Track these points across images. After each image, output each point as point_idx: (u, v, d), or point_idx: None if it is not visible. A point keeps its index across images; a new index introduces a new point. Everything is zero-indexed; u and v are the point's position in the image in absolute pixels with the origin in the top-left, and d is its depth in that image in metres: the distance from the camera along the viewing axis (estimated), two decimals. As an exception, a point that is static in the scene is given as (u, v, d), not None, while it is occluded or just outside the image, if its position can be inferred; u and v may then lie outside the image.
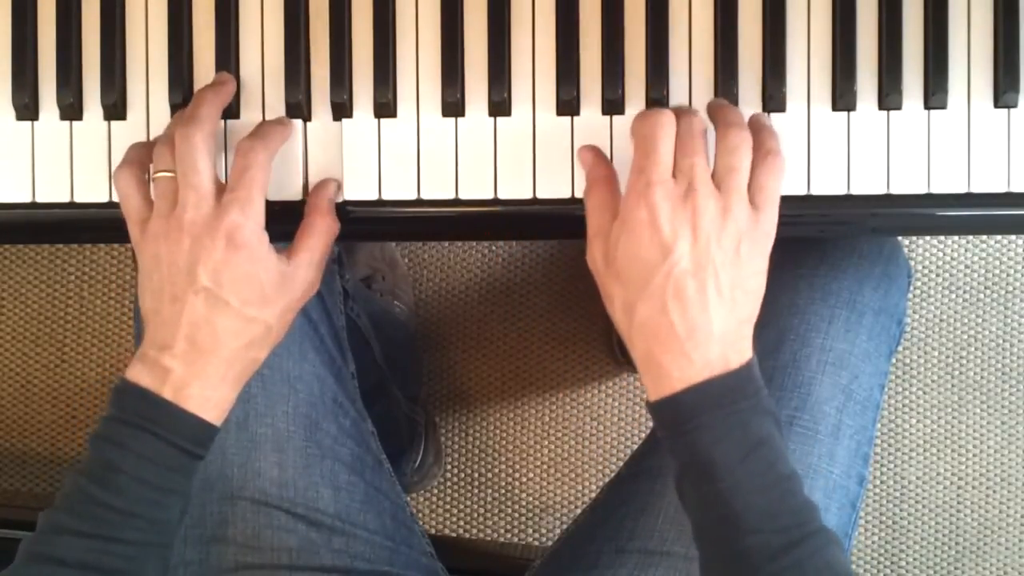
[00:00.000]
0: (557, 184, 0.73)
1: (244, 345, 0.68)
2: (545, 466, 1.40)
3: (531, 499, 1.40)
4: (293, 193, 0.74)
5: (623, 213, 0.65)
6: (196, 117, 0.69)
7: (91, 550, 0.65)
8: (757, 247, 0.65)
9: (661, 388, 0.64)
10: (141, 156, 0.71)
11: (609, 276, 0.66)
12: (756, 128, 0.68)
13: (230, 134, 0.74)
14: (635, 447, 0.89)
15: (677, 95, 0.72)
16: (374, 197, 0.73)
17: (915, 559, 1.39)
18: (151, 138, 0.74)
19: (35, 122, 0.75)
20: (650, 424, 0.77)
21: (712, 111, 0.70)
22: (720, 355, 0.64)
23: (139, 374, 0.67)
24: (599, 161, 0.70)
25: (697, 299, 0.63)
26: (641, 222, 0.64)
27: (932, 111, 0.72)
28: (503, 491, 1.40)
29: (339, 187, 0.73)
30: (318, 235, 0.71)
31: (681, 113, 0.67)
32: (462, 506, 1.40)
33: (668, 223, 0.63)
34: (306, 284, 0.70)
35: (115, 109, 0.74)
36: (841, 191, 0.72)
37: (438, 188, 0.73)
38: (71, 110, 0.74)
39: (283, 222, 0.72)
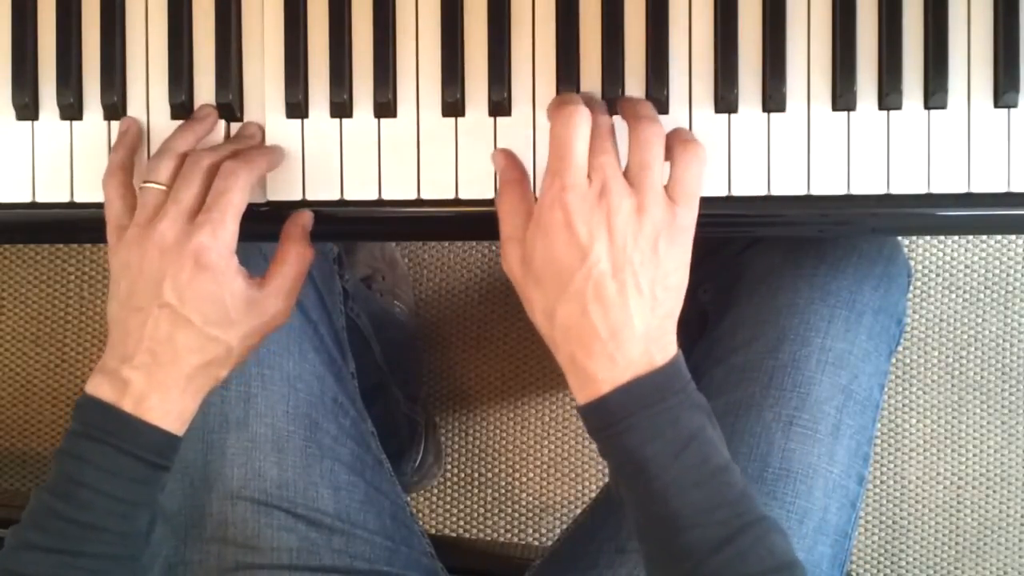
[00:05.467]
0: (557, 184, 0.73)
1: (204, 363, 0.68)
2: (545, 466, 1.39)
3: (531, 499, 1.40)
4: (292, 193, 0.74)
5: (537, 216, 0.64)
6: (235, 156, 0.69)
7: (58, 565, 0.65)
8: (675, 242, 0.64)
9: (587, 392, 0.64)
10: (125, 161, 0.71)
11: (527, 280, 0.65)
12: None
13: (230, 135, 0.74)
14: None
15: (677, 95, 0.72)
16: (374, 197, 0.73)
17: (915, 559, 1.39)
18: (149, 138, 0.74)
19: (35, 122, 0.75)
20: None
21: (622, 106, 0.69)
22: (644, 353, 0.63)
23: (99, 386, 0.67)
24: (511, 164, 0.69)
25: (618, 300, 0.63)
26: (557, 225, 0.63)
27: (932, 111, 0.72)
28: (503, 491, 1.40)
29: (313, 217, 0.73)
30: (290, 264, 0.71)
31: (591, 109, 0.65)
32: (462, 506, 1.40)
33: (583, 225, 0.62)
34: (274, 311, 0.70)
35: (115, 109, 0.74)
36: (841, 191, 0.72)
37: (438, 188, 0.73)
38: (71, 110, 0.74)
39: (280, 222, 0.72)
